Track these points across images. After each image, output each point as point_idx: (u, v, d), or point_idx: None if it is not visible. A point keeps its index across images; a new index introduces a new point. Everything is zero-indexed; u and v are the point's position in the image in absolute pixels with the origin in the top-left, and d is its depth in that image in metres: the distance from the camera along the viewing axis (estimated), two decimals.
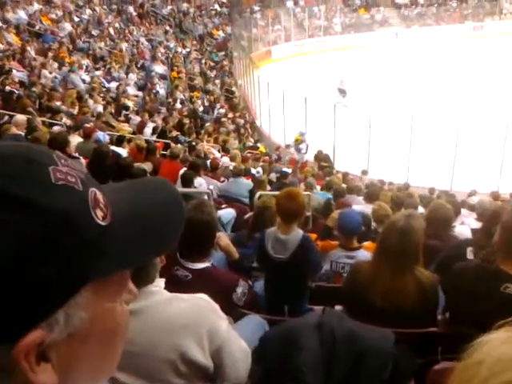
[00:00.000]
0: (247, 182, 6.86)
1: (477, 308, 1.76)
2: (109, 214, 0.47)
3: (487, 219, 2.53)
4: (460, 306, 1.95)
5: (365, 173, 12.21)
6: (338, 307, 2.63)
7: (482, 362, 0.38)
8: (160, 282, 1.63)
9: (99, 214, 0.46)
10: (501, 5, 28.76)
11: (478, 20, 28.27)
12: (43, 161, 0.45)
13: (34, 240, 0.41)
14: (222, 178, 7.80)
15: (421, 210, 6.23)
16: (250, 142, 15.07)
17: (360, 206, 5.62)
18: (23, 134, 6.18)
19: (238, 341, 1.66)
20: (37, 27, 15.20)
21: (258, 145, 14.64)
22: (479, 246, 2.71)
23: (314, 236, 3.99)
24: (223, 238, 2.65)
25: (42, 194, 0.42)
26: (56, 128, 8.04)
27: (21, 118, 6.65)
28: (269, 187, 7.14)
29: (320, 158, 12.80)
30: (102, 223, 0.46)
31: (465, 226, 4.60)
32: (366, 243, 3.43)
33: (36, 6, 16.35)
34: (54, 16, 16.77)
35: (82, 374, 0.49)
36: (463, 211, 6.17)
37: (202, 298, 1.64)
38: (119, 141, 7.75)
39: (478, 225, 4.54)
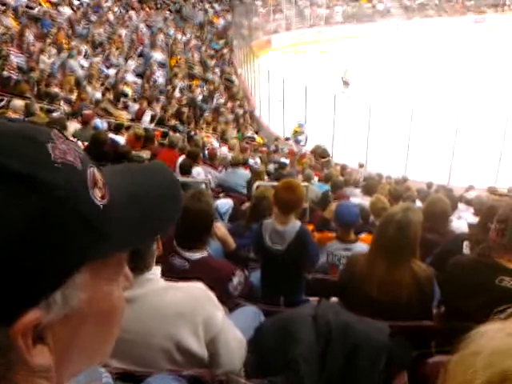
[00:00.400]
0: (245, 173, 6.85)
1: (472, 301, 1.77)
2: (107, 194, 0.47)
3: (484, 214, 2.54)
4: (456, 299, 1.96)
5: (361, 166, 12.22)
6: (333, 299, 2.65)
7: (479, 352, 0.38)
8: (156, 270, 1.63)
9: (98, 193, 0.46)
10: None
11: (480, 12, 28.10)
12: (42, 138, 0.44)
13: (35, 216, 0.40)
14: (220, 168, 7.79)
15: (418, 203, 6.24)
16: (249, 132, 15.02)
17: (357, 198, 5.62)
18: (21, 118, 6.14)
19: (233, 330, 1.66)
20: (36, 10, 15.03)
21: (255, 136, 14.58)
22: (476, 240, 2.71)
23: (310, 227, 4.00)
24: (220, 227, 2.65)
25: (43, 170, 0.42)
26: (55, 114, 7.99)
27: (18, 102, 6.61)
28: (267, 178, 7.13)
29: (317, 152, 12.77)
30: (101, 203, 0.46)
31: (462, 221, 4.61)
32: (363, 235, 3.44)
33: None
34: None
35: (77, 356, 0.49)
36: (460, 206, 6.19)
37: (199, 286, 1.64)
38: (117, 128, 7.72)
39: (474, 219, 4.56)
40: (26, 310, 0.42)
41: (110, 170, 0.52)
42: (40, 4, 15.59)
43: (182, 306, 1.53)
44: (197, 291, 1.61)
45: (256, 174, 6.62)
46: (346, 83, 18.35)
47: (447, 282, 2.13)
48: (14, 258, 0.40)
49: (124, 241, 0.48)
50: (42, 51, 12.19)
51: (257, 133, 15.49)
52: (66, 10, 16.36)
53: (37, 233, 0.41)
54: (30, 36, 13.00)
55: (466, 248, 2.89)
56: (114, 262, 0.49)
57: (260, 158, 10.00)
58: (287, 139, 14.26)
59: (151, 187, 0.53)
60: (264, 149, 12.58)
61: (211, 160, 7.82)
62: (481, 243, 2.33)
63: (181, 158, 6.04)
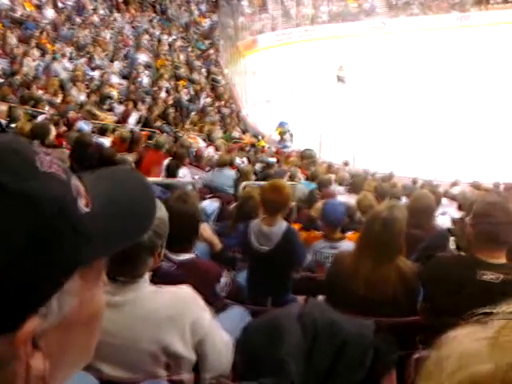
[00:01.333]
0: (231, 173, 6.84)
1: (455, 297, 1.79)
2: (90, 201, 0.49)
3: (467, 209, 2.57)
4: (438, 296, 1.98)
5: (346, 163, 12.27)
6: (320, 297, 2.66)
7: (448, 356, 0.39)
8: (146, 275, 1.63)
9: (83, 201, 0.47)
10: None
11: (465, 10, 28.36)
12: (29, 150, 0.45)
13: (31, 228, 0.42)
14: (207, 168, 7.78)
15: (404, 199, 6.29)
16: (237, 132, 15.00)
17: (344, 196, 5.65)
18: (5, 122, 6.08)
19: (220, 332, 1.67)
20: (19, 13, 14.88)
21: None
22: (460, 235, 2.74)
23: (297, 226, 4.01)
24: (206, 228, 2.65)
25: (34, 182, 0.43)
26: (40, 117, 7.91)
27: (1, 107, 6.53)
28: (254, 177, 7.13)
29: (304, 156, 12.76)
30: (86, 210, 0.47)
31: (446, 216, 4.66)
32: (350, 233, 3.46)
33: None
34: (36, 1, 16.42)
35: (68, 359, 0.50)
36: (445, 201, 6.25)
37: (185, 290, 1.64)
38: (103, 131, 7.67)
39: (459, 214, 4.61)
40: (27, 319, 0.43)
41: (84, 176, 0.54)
42: (23, 7, 15.44)
43: (168, 310, 1.53)
44: (183, 294, 1.61)
45: (243, 174, 6.62)
46: (341, 80, 18.38)
47: (429, 279, 2.15)
48: (15, 268, 0.41)
49: (107, 246, 0.50)
50: (25, 54, 12.06)
51: (244, 133, 15.48)
52: (50, 13, 16.22)
53: (33, 243, 0.42)
54: (13, 39, 12.86)
55: (451, 243, 2.92)
56: (97, 266, 0.51)
57: (247, 157, 10.00)
58: (280, 142, 14.15)
59: (126, 193, 0.55)
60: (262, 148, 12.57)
61: (198, 161, 7.81)
62: (464, 238, 2.36)
63: (167, 160, 6.02)
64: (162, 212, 1.62)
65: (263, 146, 13.23)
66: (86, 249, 0.46)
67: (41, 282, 0.43)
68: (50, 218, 0.43)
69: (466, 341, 0.38)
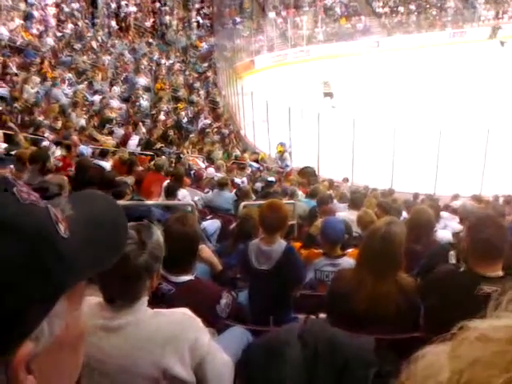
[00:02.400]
0: (230, 195, 6.87)
1: (453, 311, 1.78)
2: (67, 226, 0.50)
3: (463, 222, 2.57)
4: (437, 310, 1.97)
5: (346, 180, 12.29)
6: (322, 315, 2.64)
7: (415, 372, 0.40)
8: (143, 299, 1.62)
9: (62, 227, 0.49)
10: (478, 12, 29.33)
11: (458, 27, 28.75)
12: (7, 184, 0.47)
13: (18, 259, 0.43)
14: (207, 189, 7.80)
15: (405, 214, 6.28)
16: (237, 152, 15.07)
17: (344, 212, 5.65)
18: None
19: (220, 354, 1.65)
20: (18, 43, 15.10)
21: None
22: (461, 249, 2.73)
23: (298, 244, 4.00)
24: (205, 249, 2.65)
25: (16, 214, 0.44)
26: (44, 144, 7.97)
27: None
28: (254, 196, 7.14)
29: (304, 173, 12.77)
30: (66, 236, 0.49)
31: (447, 230, 4.65)
32: (350, 250, 3.45)
33: (17, 22, 16.25)
34: (35, 31, 16.69)
35: (59, 379, 0.52)
36: (446, 214, 6.24)
37: (183, 312, 1.63)
38: (103, 154, 7.71)
39: (460, 228, 4.60)
40: (21, 344, 0.44)
41: (57, 202, 0.55)
42: (22, 37, 15.67)
43: (167, 333, 1.52)
44: (181, 317, 1.59)
45: (243, 194, 6.64)
46: (329, 95, 18.54)
47: (428, 293, 2.14)
48: (8, 298, 0.42)
49: (88, 269, 0.52)
50: (25, 81, 12.20)
51: (244, 152, 15.55)
52: (49, 41, 16.46)
53: (22, 271, 0.43)
54: (13, 67, 13.03)
55: (451, 258, 2.91)
56: (79, 289, 0.52)
57: (247, 177, 10.03)
58: (280, 161, 14.16)
59: (100, 215, 0.57)
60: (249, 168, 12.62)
61: (197, 182, 7.83)
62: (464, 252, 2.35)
63: (166, 181, 6.04)
64: (157, 235, 1.63)
65: (263, 158, 13.29)
66: (69, 272, 0.48)
67: (32, 307, 0.44)
68: (35, 245, 0.45)
69: (429, 356, 0.40)
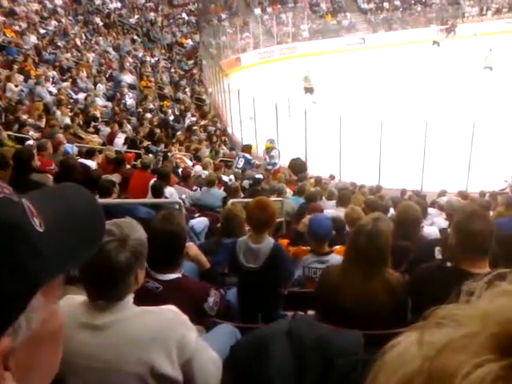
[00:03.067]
0: (220, 193, 6.84)
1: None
2: (42, 221, 0.50)
3: (450, 218, 2.59)
4: (424, 307, 1.98)
5: (332, 177, 12.33)
6: (310, 312, 2.65)
7: (383, 365, 0.39)
8: (129, 297, 1.61)
9: (37, 221, 0.48)
10: (463, 8, 29.61)
11: (442, 23, 29.01)
12: None
13: None
14: (195, 187, 7.77)
15: (392, 211, 6.32)
16: (223, 150, 15.03)
17: (332, 210, 5.67)
18: None
19: (207, 351, 1.64)
20: (0, 40, 14.89)
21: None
22: (446, 245, 2.76)
23: (286, 241, 4.01)
24: (192, 247, 2.63)
25: None
26: (28, 142, 7.87)
27: None
28: (241, 194, 7.14)
29: (296, 165, 12.78)
30: (41, 230, 0.48)
31: (433, 227, 4.69)
32: (337, 247, 3.46)
33: None
34: (17, 28, 16.46)
35: (36, 378, 0.51)
36: (433, 211, 6.30)
37: (170, 309, 1.62)
38: (88, 153, 7.63)
39: (446, 224, 4.64)
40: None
41: (31, 196, 0.54)
42: (4, 34, 15.45)
43: (153, 331, 1.51)
44: (168, 314, 1.59)
45: (231, 191, 6.63)
46: (309, 90, 18.46)
47: (415, 290, 2.15)
48: None
49: (63, 263, 0.52)
50: (8, 79, 12.03)
51: (231, 150, 15.51)
52: (32, 38, 16.25)
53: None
54: None
55: (437, 253, 2.93)
56: (55, 284, 0.52)
57: (234, 175, 10.01)
58: (269, 159, 14.03)
59: (75, 208, 0.56)
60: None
61: (185, 180, 7.80)
62: (450, 248, 2.37)
63: (153, 180, 6.01)
64: (139, 232, 1.61)
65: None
66: (46, 266, 0.48)
67: (8, 301, 0.44)
68: (11, 240, 0.44)
69: (400, 345, 0.39)
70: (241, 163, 11.98)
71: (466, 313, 0.37)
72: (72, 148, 8.00)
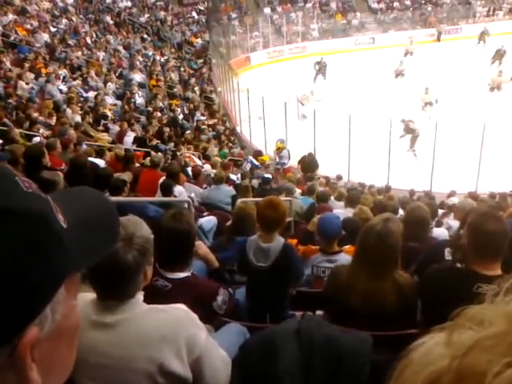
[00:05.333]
0: (229, 189, 6.85)
1: (451, 310, 1.78)
2: (65, 218, 0.52)
3: (462, 220, 2.57)
4: (434, 308, 1.97)
5: (340, 178, 12.29)
6: (319, 312, 2.64)
7: (407, 365, 0.39)
8: (138, 295, 1.62)
9: (61, 217, 0.50)
10: (474, 8, 29.36)
11: (453, 24, 28.78)
12: (9, 173, 0.49)
13: (24, 244, 0.44)
14: (204, 185, 7.78)
15: (401, 212, 6.30)
16: (233, 149, 15.03)
17: (340, 210, 5.65)
18: None
19: (217, 350, 1.65)
20: (12, 38, 15.00)
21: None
22: (456, 246, 2.74)
23: (295, 241, 4.01)
24: (201, 246, 2.64)
25: (20, 201, 0.46)
26: (34, 139, 7.93)
27: None
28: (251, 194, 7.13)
29: (307, 161, 12.75)
30: (65, 226, 0.50)
31: (442, 228, 4.66)
32: (347, 247, 3.45)
33: (10, 17, 16.14)
34: (29, 26, 16.58)
35: (56, 371, 0.52)
36: (441, 212, 6.26)
37: (180, 308, 1.62)
38: (98, 151, 7.67)
39: (455, 225, 4.61)
40: (27, 328, 0.45)
41: (53, 196, 0.56)
42: (16, 32, 15.57)
43: (163, 329, 1.52)
44: (178, 313, 1.59)
45: (241, 190, 6.63)
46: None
47: (425, 291, 2.14)
48: (13, 282, 0.43)
49: (83, 260, 0.53)
50: (19, 77, 12.13)
51: (242, 149, 15.51)
52: (44, 37, 16.36)
53: (28, 255, 0.44)
54: (7, 62, 12.95)
55: (447, 254, 2.91)
56: (75, 279, 0.54)
57: (242, 174, 10.01)
58: (278, 159, 13.88)
59: (91, 209, 0.59)
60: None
61: (195, 178, 7.81)
62: (460, 249, 2.35)
63: (162, 178, 6.02)
64: (144, 229, 1.61)
65: (264, 161, 13.21)
66: (69, 260, 0.49)
67: (37, 291, 0.45)
68: (40, 231, 0.46)
69: (427, 344, 0.39)
70: (247, 168, 11.98)
71: (493, 313, 0.37)
72: (82, 146, 8.04)
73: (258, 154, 13.38)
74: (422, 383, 0.36)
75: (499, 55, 20.45)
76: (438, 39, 27.14)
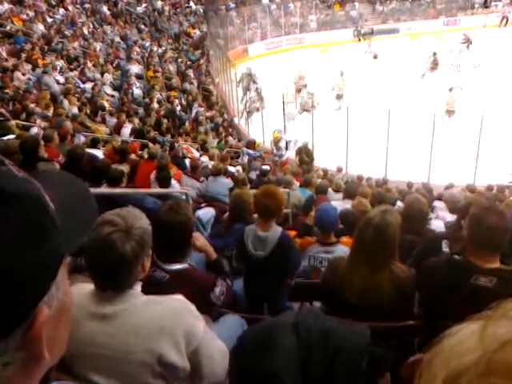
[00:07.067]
0: (227, 181, 6.83)
1: (448, 301, 1.79)
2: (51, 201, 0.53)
3: (460, 212, 2.57)
4: (432, 299, 1.98)
5: (340, 169, 12.28)
6: (317, 303, 2.65)
7: (439, 353, 0.40)
8: (137, 286, 1.62)
9: (48, 200, 0.52)
10: (472, 0, 29.19)
11: (451, 15, 28.64)
12: (5, 162, 0.50)
13: (24, 225, 0.46)
14: (202, 178, 7.76)
15: (399, 204, 6.30)
16: (231, 141, 14.98)
17: (339, 202, 5.65)
18: None
19: (215, 341, 1.65)
20: (7, 28, 14.87)
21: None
22: (453, 238, 2.75)
23: (293, 233, 4.01)
24: (199, 238, 2.64)
25: (18, 185, 0.47)
26: (32, 130, 7.89)
27: None
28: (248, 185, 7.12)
29: (303, 151, 12.73)
30: (53, 207, 0.52)
31: (440, 220, 4.66)
32: (344, 238, 3.46)
33: (6, 6, 15.98)
34: (25, 16, 16.43)
35: (55, 351, 0.53)
36: (440, 204, 6.26)
37: (178, 299, 1.63)
38: (95, 142, 7.64)
39: (453, 218, 4.61)
40: (36, 307, 0.47)
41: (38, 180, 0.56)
42: (12, 22, 15.43)
43: (161, 320, 1.52)
44: (176, 304, 1.59)
45: (238, 182, 6.62)
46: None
47: (423, 283, 2.15)
48: (20, 263, 0.44)
49: (74, 240, 0.55)
50: (16, 68, 12.04)
51: (239, 141, 15.45)
52: (40, 27, 16.22)
53: (32, 236, 0.46)
54: (3, 52, 12.85)
55: (444, 247, 2.92)
56: (66, 261, 0.55)
57: (241, 166, 9.99)
58: (277, 150, 13.78)
59: (70, 192, 0.60)
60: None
61: (193, 171, 7.79)
62: (459, 241, 2.36)
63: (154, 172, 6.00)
64: (143, 221, 1.61)
65: (259, 145, 13.12)
66: (63, 241, 0.51)
67: (44, 270, 0.47)
68: (38, 212, 0.48)
69: (460, 334, 0.39)
70: (245, 159, 11.94)
71: None
72: (79, 137, 8.00)
73: (251, 144, 13.31)
74: (450, 372, 0.36)
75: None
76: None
